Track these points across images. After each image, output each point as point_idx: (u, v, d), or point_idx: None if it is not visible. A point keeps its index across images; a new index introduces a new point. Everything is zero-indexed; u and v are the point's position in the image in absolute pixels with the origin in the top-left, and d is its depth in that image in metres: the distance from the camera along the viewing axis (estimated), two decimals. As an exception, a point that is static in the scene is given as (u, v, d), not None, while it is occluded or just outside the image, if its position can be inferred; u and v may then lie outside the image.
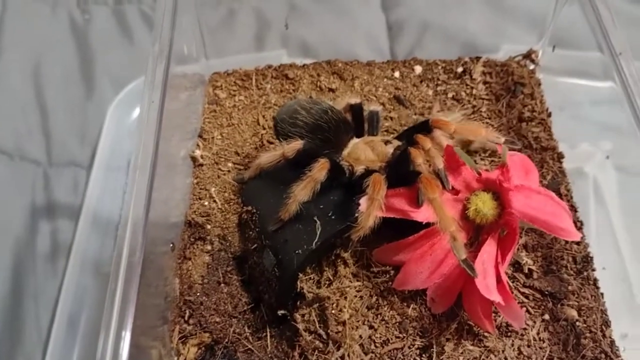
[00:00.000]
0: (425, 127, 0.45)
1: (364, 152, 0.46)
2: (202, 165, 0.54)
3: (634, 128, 0.44)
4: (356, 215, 0.41)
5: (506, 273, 0.42)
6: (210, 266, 0.47)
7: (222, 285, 0.46)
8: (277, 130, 0.47)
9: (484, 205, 0.41)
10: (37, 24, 0.79)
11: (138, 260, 0.37)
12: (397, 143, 0.47)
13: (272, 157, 0.45)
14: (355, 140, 0.48)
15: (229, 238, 0.49)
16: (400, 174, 0.43)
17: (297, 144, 0.44)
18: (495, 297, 0.38)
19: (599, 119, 0.60)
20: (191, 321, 0.44)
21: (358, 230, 0.41)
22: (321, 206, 0.44)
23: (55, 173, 0.66)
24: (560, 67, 0.61)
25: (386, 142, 0.47)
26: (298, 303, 0.44)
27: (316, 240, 0.42)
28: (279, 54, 0.67)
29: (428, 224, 0.40)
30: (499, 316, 0.43)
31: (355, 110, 0.50)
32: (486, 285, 0.38)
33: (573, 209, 0.52)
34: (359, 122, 0.50)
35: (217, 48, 0.63)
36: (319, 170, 0.42)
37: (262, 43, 0.70)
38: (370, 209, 0.41)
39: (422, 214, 0.41)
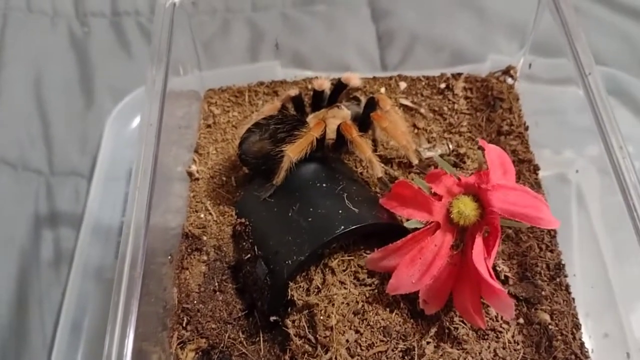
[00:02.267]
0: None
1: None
2: (198, 179, 0.56)
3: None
4: (342, 227, 0.44)
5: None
6: (206, 275, 0.49)
7: (218, 293, 0.49)
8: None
9: (465, 207, 0.42)
10: (37, 37, 0.81)
11: (139, 274, 0.40)
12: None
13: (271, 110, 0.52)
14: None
15: (224, 248, 0.51)
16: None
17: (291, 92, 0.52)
18: (494, 282, 0.40)
19: (583, 125, 0.62)
20: (189, 327, 0.47)
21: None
22: (309, 219, 0.47)
23: (57, 182, 0.69)
24: (544, 74, 0.63)
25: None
26: (289, 310, 0.46)
27: (305, 251, 0.45)
28: (273, 65, 0.69)
29: (415, 228, 0.43)
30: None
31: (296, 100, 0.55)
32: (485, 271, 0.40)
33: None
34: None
35: (210, 60, 0.65)
36: (316, 127, 0.47)
37: (256, 54, 0.72)
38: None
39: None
